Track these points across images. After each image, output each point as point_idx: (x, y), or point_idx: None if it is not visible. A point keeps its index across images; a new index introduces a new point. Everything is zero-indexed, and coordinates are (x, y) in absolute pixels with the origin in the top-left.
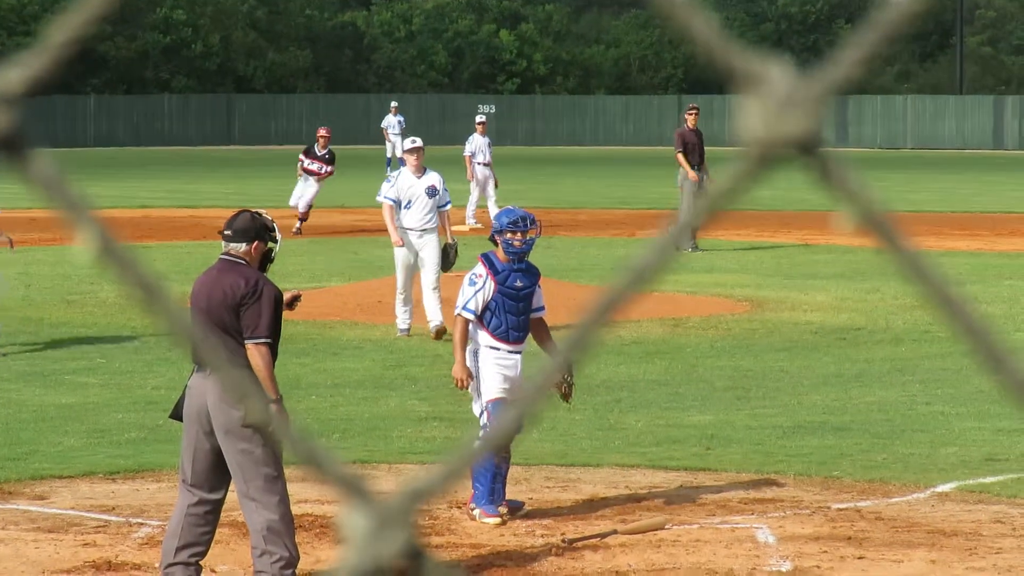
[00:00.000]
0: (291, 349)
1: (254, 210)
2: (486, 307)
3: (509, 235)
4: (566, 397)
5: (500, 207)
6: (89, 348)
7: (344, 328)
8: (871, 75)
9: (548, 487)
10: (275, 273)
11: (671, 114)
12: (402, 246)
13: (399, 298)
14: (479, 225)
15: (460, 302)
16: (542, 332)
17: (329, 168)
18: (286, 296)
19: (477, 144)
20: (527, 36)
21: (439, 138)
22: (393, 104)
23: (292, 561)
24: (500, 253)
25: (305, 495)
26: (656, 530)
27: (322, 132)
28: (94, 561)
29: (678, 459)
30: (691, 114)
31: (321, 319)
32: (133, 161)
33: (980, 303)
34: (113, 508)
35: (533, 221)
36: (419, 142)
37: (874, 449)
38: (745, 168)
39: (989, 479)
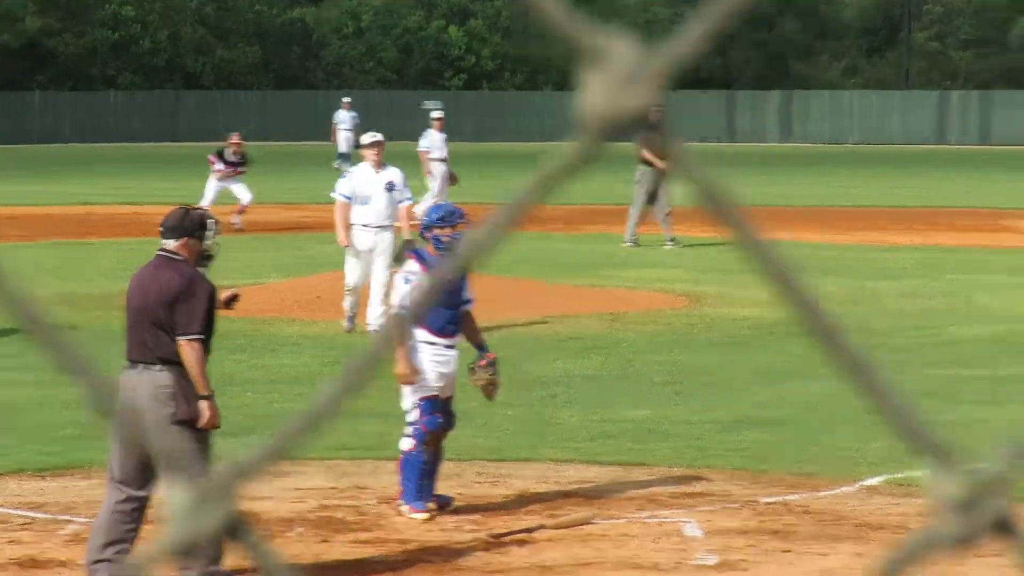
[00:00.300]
0: (227, 345)
1: (193, 206)
2: None
3: (438, 230)
4: (489, 393)
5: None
6: (22, 344)
7: (282, 324)
8: (818, 70)
9: (479, 482)
10: (216, 269)
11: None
12: (347, 246)
13: (348, 294)
14: None
15: (396, 300)
16: (469, 325)
17: (240, 169)
18: (224, 295)
19: (433, 140)
20: (476, 32)
21: (387, 134)
22: (345, 100)
23: (216, 558)
24: (431, 248)
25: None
26: (583, 524)
27: (234, 139)
28: (18, 559)
29: (612, 454)
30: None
31: (259, 315)
32: (79, 158)
33: (922, 297)
34: (41, 505)
35: (462, 216)
36: (379, 137)
37: (805, 443)
38: (583, 144)
39: (917, 472)
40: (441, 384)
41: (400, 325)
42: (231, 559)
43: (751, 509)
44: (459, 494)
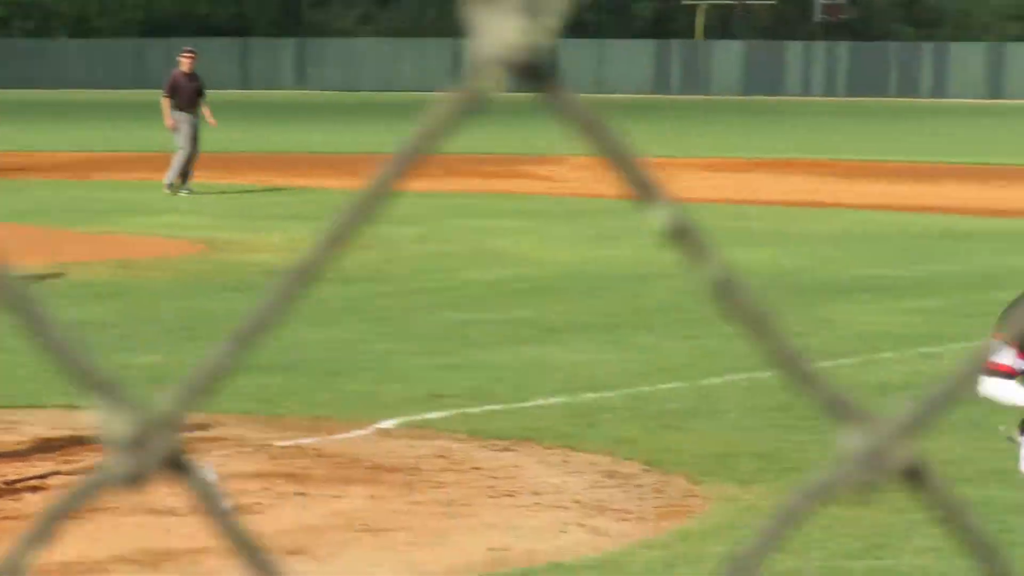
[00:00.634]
0: None
1: None
2: None
3: None
4: None
5: None
6: None
7: None
8: (332, 17)
9: None
10: None
11: (129, 59)
12: None
13: None
14: None
15: None
16: None
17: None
18: None
19: None
20: None
21: None
22: None
23: None
24: None
25: None
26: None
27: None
28: None
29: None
30: (186, 57)
31: None
32: None
33: (436, 242)
34: None
35: None
36: None
37: (321, 387)
38: (472, 93)
39: (432, 415)
40: None
41: None
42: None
43: (265, 453)
44: None
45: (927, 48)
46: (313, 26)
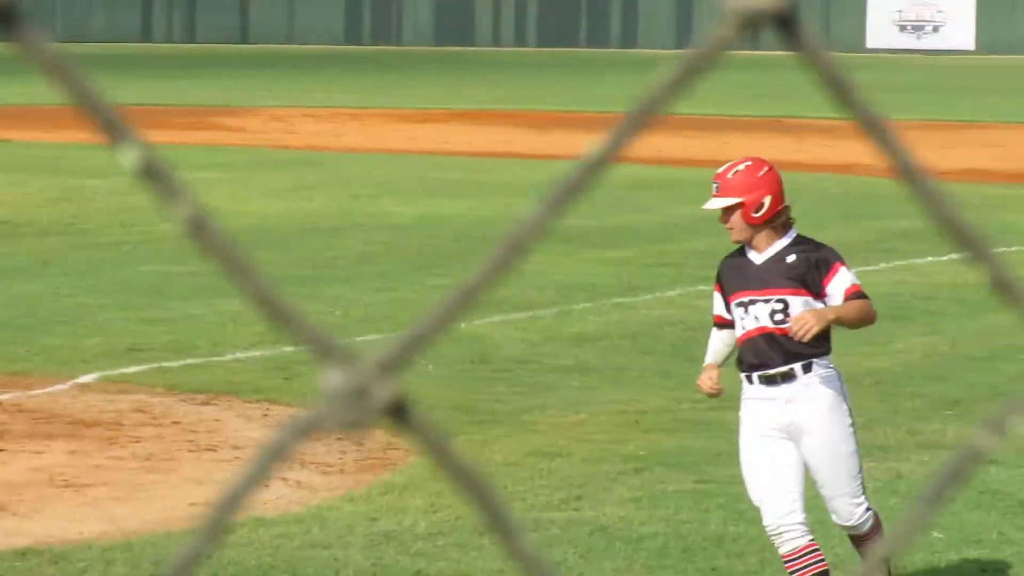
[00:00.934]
0: None
1: None
2: None
3: None
4: None
5: None
6: None
7: None
8: None
9: None
10: None
11: None
12: None
13: None
14: None
15: None
16: None
17: None
18: None
19: None
20: None
21: None
22: None
23: None
24: None
25: None
26: None
27: None
28: None
29: None
30: None
31: None
32: None
33: (132, 194)
34: None
35: None
36: None
37: (17, 342)
38: (717, 43)
39: (131, 369)
40: None
41: None
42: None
43: None
44: None
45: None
46: None
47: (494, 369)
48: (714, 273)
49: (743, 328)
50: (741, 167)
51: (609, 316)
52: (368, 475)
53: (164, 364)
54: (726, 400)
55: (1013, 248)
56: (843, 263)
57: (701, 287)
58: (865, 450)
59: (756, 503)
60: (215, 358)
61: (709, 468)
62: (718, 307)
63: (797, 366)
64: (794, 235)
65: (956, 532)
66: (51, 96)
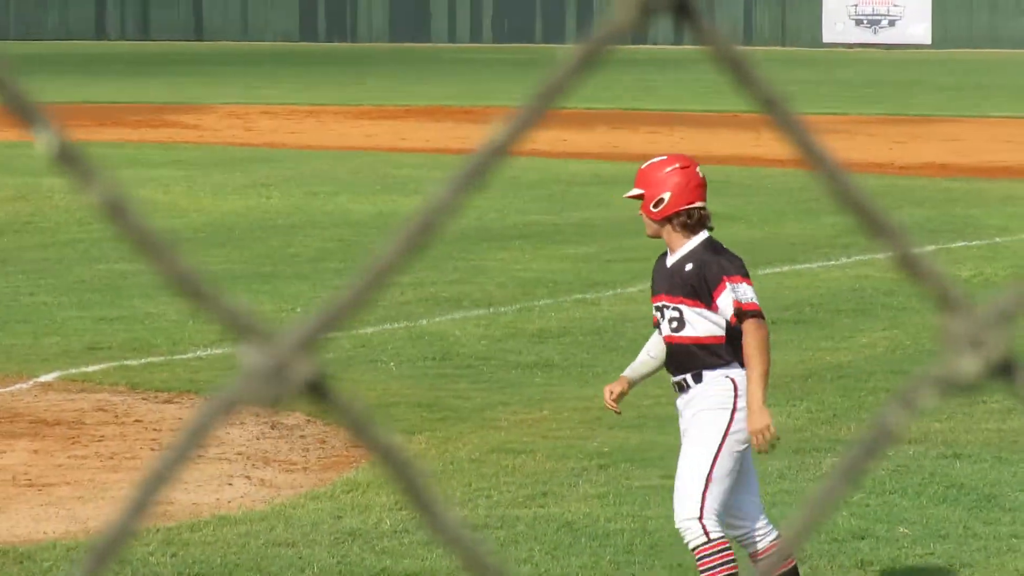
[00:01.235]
0: None
1: None
2: None
3: None
4: None
5: None
6: None
7: None
8: None
9: None
10: None
11: None
12: None
13: None
14: None
15: None
16: None
17: None
18: None
19: None
20: None
21: None
22: None
23: None
24: None
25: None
26: None
27: None
28: None
29: None
30: None
31: None
32: None
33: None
34: None
35: None
36: None
37: None
38: (608, 32)
39: (92, 368)
40: None
41: None
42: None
43: None
44: None
45: None
46: None
47: (456, 366)
48: None
49: (661, 332)
50: (655, 160)
51: (571, 312)
52: (332, 473)
53: (125, 363)
54: None
55: (973, 242)
56: (734, 275)
57: None
58: (828, 444)
59: None
60: (176, 356)
61: (675, 463)
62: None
63: (688, 376)
64: (702, 239)
65: (921, 527)
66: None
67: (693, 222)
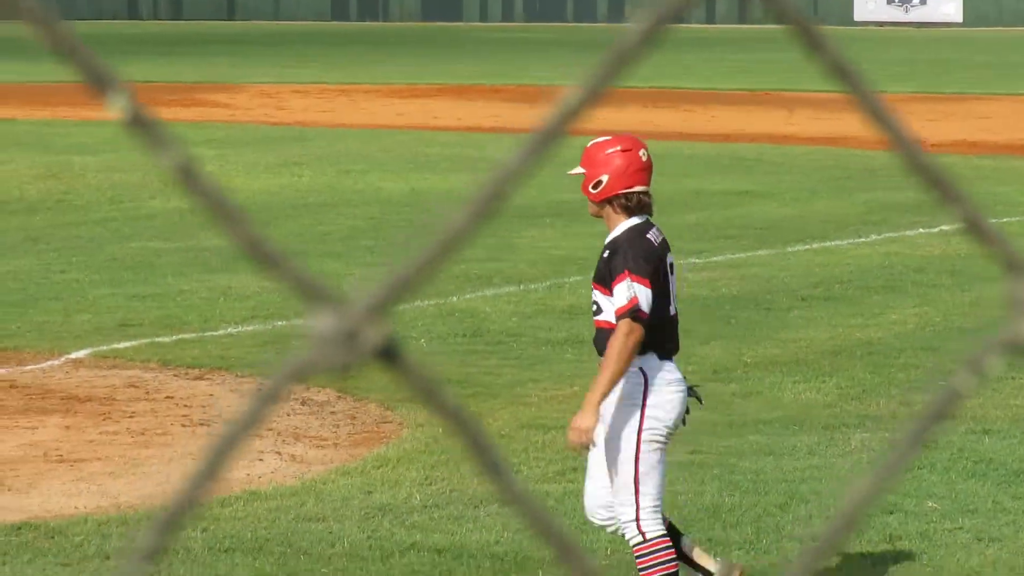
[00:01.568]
0: None
1: None
2: None
3: None
4: None
5: None
6: None
7: None
8: None
9: None
10: None
11: None
12: None
13: None
14: None
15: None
16: None
17: None
18: None
19: None
20: None
21: None
22: None
23: None
24: None
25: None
26: None
27: None
28: None
29: None
30: None
31: None
32: None
33: (121, 171)
34: None
35: None
36: None
37: (8, 318)
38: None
39: (123, 344)
40: None
41: None
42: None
43: None
44: None
45: None
46: None
47: (487, 342)
48: (705, 247)
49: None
50: (599, 140)
51: None
52: (362, 448)
53: (156, 339)
54: (720, 372)
55: (1004, 219)
56: (635, 273)
57: (693, 260)
58: (857, 420)
59: None
60: (207, 333)
61: (704, 439)
62: None
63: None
64: (629, 226)
65: (950, 501)
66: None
67: (632, 205)
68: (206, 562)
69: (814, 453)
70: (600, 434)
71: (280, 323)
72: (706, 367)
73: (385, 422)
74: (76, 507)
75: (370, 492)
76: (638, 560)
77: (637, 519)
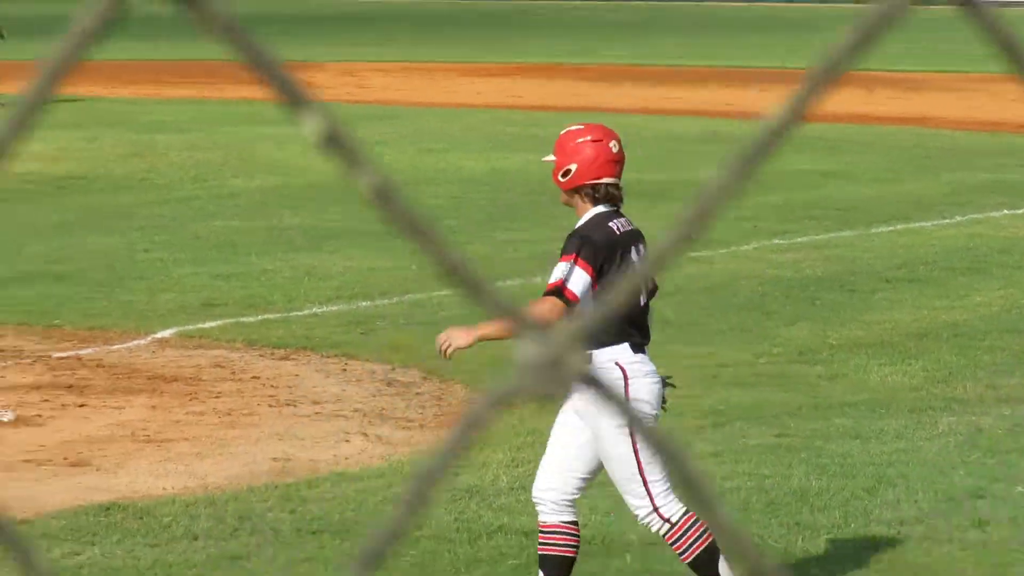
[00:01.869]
0: None
1: None
2: None
3: None
4: None
5: None
6: None
7: None
8: None
9: None
10: None
11: None
12: None
13: None
14: None
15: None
16: None
17: None
18: None
19: None
20: None
21: None
22: None
23: None
24: None
25: None
26: None
27: None
28: None
29: None
30: None
31: None
32: None
33: (202, 150)
34: None
35: None
36: None
37: (95, 297)
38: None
39: (208, 324)
40: None
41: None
42: None
43: (43, 364)
44: None
45: None
46: None
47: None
48: (789, 228)
49: None
50: (571, 129)
51: (685, 270)
52: (448, 430)
53: (241, 319)
54: (805, 354)
55: None
56: (575, 256)
57: (776, 241)
58: (944, 403)
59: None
60: (292, 313)
61: (790, 422)
62: None
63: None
64: (591, 215)
65: None
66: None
67: (600, 196)
68: (294, 543)
69: (901, 436)
70: (590, 434)
71: (364, 303)
72: (791, 348)
73: (471, 403)
74: (163, 487)
75: (457, 474)
76: (674, 546)
77: (655, 508)
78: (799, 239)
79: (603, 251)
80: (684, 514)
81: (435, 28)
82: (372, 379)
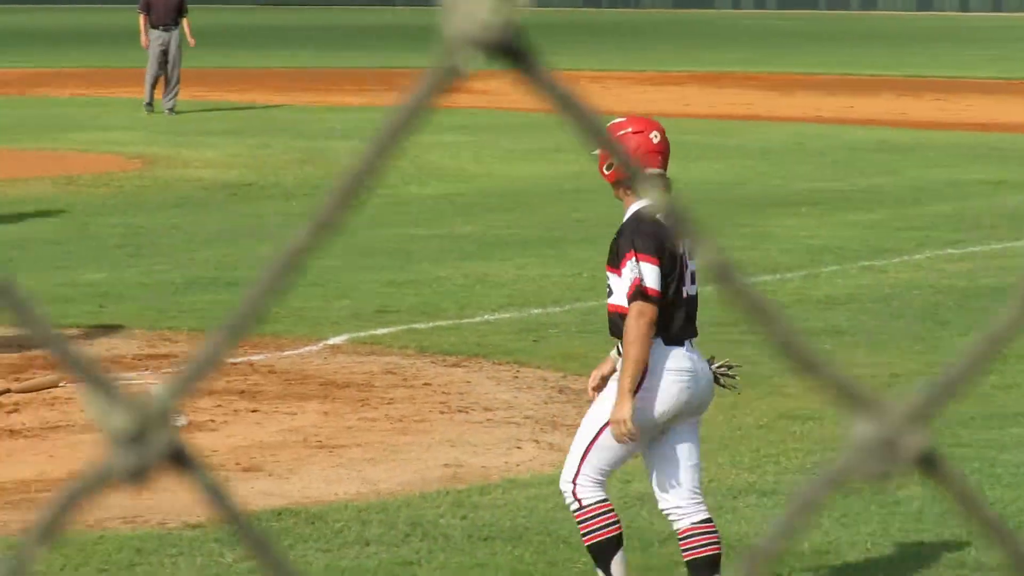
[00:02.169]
0: None
1: None
2: None
3: None
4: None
5: None
6: None
7: None
8: None
9: None
10: None
11: None
12: None
13: None
14: None
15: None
16: None
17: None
18: None
19: None
20: None
21: None
22: None
23: None
24: None
25: None
26: (50, 388)
27: None
28: None
29: (71, 317)
30: None
31: None
32: None
33: None
34: None
35: None
36: None
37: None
38: (443, 72)
39: (380, 331)
40: None
41: None
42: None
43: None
44: None
45: None
46: None
47: (741, 332)
48: (962, 237)
49: None
50: (613, 122)
51: (858, 279)
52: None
53: (414, 326)
54: None
55: None
56: (634, 252)
57: (949, 250)
58: None
59: None
60: (464, 320)
61: (963, 431)
62: None
63: (619, 343)
64: (637, 208)
65: None
66: (291, 60)
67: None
68: (465, 549)
69: None
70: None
71: (536, 311)
72: None
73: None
74: (336, 493)
75: (628, 481)
76: (580, 526)
77: (574, 481)
78: (972, 248)
79: (653, 241)
80: (599, 501)
81: (607, 38)
82: (544, 386)
